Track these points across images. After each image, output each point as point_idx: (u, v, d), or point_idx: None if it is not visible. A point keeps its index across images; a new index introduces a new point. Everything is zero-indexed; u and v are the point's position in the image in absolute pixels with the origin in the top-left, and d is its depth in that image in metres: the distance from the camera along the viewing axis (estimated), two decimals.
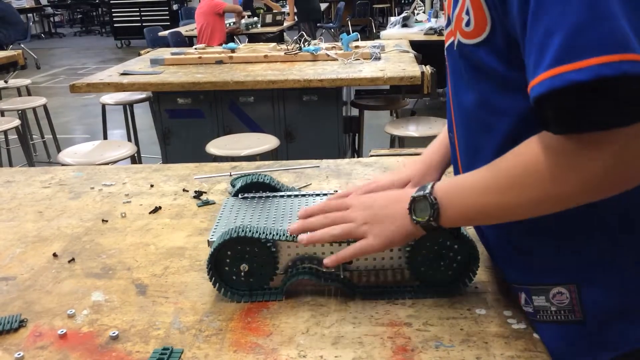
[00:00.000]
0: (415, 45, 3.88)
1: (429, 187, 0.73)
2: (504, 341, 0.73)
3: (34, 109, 4.27)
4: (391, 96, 3.57)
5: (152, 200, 1.24)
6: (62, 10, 16.17)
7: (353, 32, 3.62)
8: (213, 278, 0.84)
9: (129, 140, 4.08)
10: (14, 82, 4.62)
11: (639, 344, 0.64)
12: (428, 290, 0.83)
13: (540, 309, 0.69)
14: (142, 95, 3.83)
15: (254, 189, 1.06)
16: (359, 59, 3.30)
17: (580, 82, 0.50)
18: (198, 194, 1.26)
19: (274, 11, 7.35)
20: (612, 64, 0.49)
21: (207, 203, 1.21)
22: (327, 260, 0.79)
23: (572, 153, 0.56)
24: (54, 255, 1.00)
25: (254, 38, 6.83)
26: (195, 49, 3.82)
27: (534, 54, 0.54)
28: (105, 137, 4.03)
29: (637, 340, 0.64)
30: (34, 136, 4.73)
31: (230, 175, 1.37)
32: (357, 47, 3.53)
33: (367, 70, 3.03)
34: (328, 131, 3.11)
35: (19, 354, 0.74)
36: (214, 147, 2.60)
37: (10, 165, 3.99)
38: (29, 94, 4.68)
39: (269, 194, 1.04)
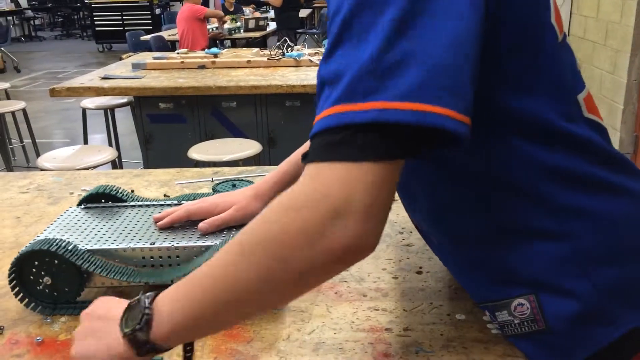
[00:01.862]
0: None
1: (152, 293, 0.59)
2: (483, 346, 0.74)
3: (13, 113, 4.21)
4: None
5: None
6: (42, 13, 15.99)
7: None
8: (16, 288, 0.82)
9: (110, 145, 4.04)
10: None
11: (606, 342, 0.65)
12: None
13: (504, 324, 0.70)
14: (124, 99, 3.79)
15: (103, 199, 1.04)
16: None
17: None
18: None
19: (256, 16, 7.35)
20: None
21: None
22: None
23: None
24: None
25: (236, 43, 6.83)
26: (178, 53, 3.81)
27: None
28: (85, 142, 3.99)
29: (602, 340, 0.65)
30: (12, 140, 4.67)
31: (212, 181, 1.36)
32: None
33: None
34: None
35: None
36: (196, 152, 2.59)
37: None
38: (8, 98, 4.62)
39: (112, 204, 1.02)
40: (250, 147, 2.64)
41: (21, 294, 0.82)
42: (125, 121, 4.75)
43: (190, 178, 1.39)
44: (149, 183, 1.36)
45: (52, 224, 0.94)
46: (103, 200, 1.03)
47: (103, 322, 0.62)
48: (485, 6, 0.54)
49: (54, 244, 0.81)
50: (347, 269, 0.54)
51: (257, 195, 0.92)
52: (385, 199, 0.50)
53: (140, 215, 0.96)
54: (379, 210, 0.49)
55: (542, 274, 0.66)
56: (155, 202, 1.03)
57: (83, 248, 0.83)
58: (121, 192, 1.05)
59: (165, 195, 1.27)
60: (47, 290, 0.83)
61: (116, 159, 2.73)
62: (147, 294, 0.59)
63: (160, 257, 0.84)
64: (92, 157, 2.61)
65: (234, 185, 1.34)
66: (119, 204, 1.02)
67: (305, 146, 0.94)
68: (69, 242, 0.83)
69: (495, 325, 0.75)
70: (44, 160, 2.57)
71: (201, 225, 0.88)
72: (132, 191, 1.31)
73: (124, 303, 0.62)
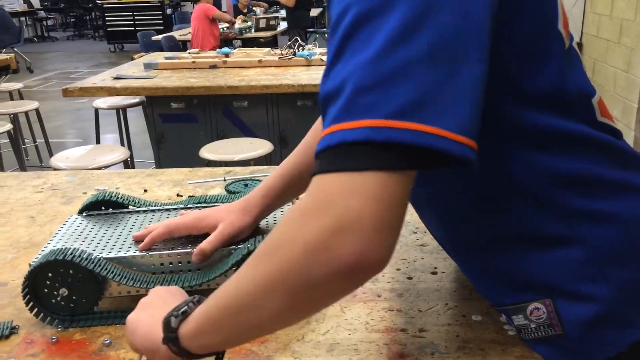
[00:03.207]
0: None
1: (192, 300, 0.62)
2: (500, 348, 0.73)
3: (26, 113, 4.24)
4: None
5: None
6: (55, 14, 16.11)
7: None
8: (31, 303, 0.80)
9: (122, 144, 4.06)
10: (5, 85, 4.60)
11: (625, 345, 0.64)
12: None
13: (521, 327, 0.69)
14: (136, 99, 3.81)
15: (103, 206, 1.01)
16: None
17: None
18: None
19: (267, 16, 7.36)
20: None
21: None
22: None
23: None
24: None
25: (247, 42, 6.84)
26: (189, 53, 3.82)
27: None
28: (97, 142, 4.01)
29: (622, 342, 0.64)
30: (25, 140, 4.71)
31: (225, 180, 1.36)
32: None
33: None
34: None
35: None
36: (208, 151, 2.59)
37: (2, 169, 3.96)
38: (21, 98, 4.66)
39: (115, 211, 1.00)
40: (261, 146, 2.64)
41: (36, 309, 0.80)
42: (136, 121, 4.77)
43: (202, 177, 1.39)
44: (162, 183, 1.36)
45: (55, 234, 0.91)
46: (103, 208, 1.01)
47: (163, 302, 0.65)
48: (493, 18, 0.52)
49: (69, 253, 0.79)
50: (356, 289, 0.50)
51: (245, 209, 0.88)
52: (394, 210, 0.47)
53: (147, 221, 0.95)
54: (388, 222, 0.46)
55: (557, 278, 0.65)
56: (159, 207, 1.01)
57: (98, 256, 0.82)
58: (121, 198, 1.02)
59: (178, 195, 1.28)
60: (63, 303, 0.80)
61: (128, 159, 2.73)
62: (204, 296, 0.61)
63: (180, 262, 0.83)
64: (104, 156, 2.62)
65: (246, 185, 1.34)
66: (121, 210, 1.00)
67: (295, 155, 0.92)
68: (82, 250, 0.81)
69: (511, 327, 0.74)
70: (57, 160, 2.58)
71: (194, 257, 0.82)
72: (145, 191, 1.31)
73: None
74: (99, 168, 2.46)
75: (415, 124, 0.46)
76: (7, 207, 1.24)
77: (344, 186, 0.46)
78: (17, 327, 0.80)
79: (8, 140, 3.87)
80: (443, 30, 0.48)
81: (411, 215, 1.11)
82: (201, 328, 0.57)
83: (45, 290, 0.80)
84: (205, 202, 1.03)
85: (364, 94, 0.47)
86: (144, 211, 1.00)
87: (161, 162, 3.26)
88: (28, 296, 0.79)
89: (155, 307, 0.66)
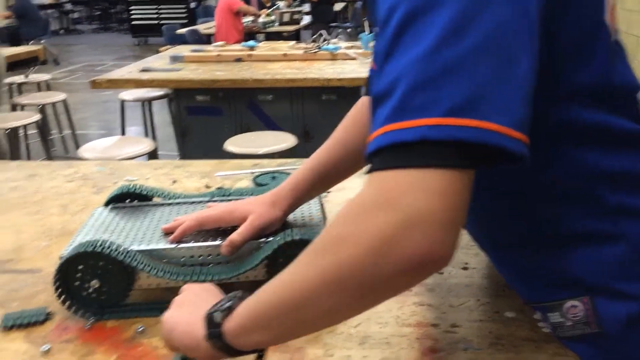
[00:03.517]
0: None
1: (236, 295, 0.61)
2: (534, 345, 0.72)
3: (53, 104, 4.31)
4: None
5: None
6: (81, 7, 16.32)
7: (369, 32, 3.60)
8: (63, 295, 0.79)
9: (146, 136, 4.10)
10: (34, 77, 4.66)
11: None
12: None
13: (557, 325, 0.67)
14: (160, 92, 3.85)
15: (128, 198, 1.02)
16: None
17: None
18: None
19: (291, 10, 7.36)
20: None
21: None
22: None
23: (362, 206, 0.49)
24: None
25: (271, 36, 6.85)
26: (215, 46, 3.83)
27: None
28: (123, 133, 4.05)
29: None
30: (52, 131, 4.78)
31: (252, 173, 1.36)
32: None
33: None
34: None
35: (46, 347, 0.74)
36: (232, 144, 2.60)
37: (29, 160, 4.03)
38: (49, 89, 4.72)
39: (141, 203, 1.00)
40: (285, 140, 2.64)
41: (68, 301, 0.80)
42: (160, 114, 4.81)
43: (230, 170, 1.39)
44: (190, 174, 1.37)
45: (83, 227, 0.91)
46: (128, 200, 1.02)
47: (199, 300, 0.65)
48: (541, 10, 0.51)
49: (99, 245, 0.79)
50: (417, 284, 0.50)
51: (274, 202, 0.87)
52: (459, 207, 0.47)
53: (174, 214, 0.94)
54: (454, 218, 0.47)
55: (596, 276, 0.64)
56: (185, 199, 1.01)
57: (129, 248, 0.81)
58: (145, 190, 1.02)
59: (207, 187, 1.28)
60: (94, 295, 0.80)
61: (153, 151, 2.76)
62: (247, 292, 0.60)
63: (210, 255, 0.83)
64: (130, 148, 2.65)
65: (274, 177, 1.34)
66: (147, 203, 1.00)
67: (324, 150, 0.92)
68: (112, 242, 0.80)
69: (546, 324, 0.73)
70: (84, 150, 2.62)
71: (223, 249, 0.82)
72: (174, 182, 1.32)
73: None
74: (125, 159, 2.48)
75: (474, 121, 0.45)
76: (39, 195, 1.26)
77: (410, 183, 0.46)
78: (51, 313, 0.82)
79: (35, 131, 3.93)
80: (496, 24, 0.47)
81: None
82: (249, 324, 0.57)
83: (77, 283, 0.80)
84: (231, 195, 1.03)
85: (418, 92, 0.46)
86: (170, 204, 0.99)
87: (185, 155, 3.28)
88: (60, 289, 0.79)
89: (191, 304, 0.66)
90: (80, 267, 0.79)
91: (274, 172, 1.36)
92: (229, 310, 0.58)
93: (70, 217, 1.14)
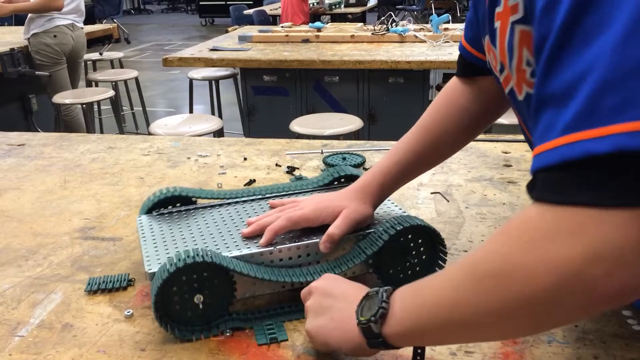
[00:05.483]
0: None
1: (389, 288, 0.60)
2: (623, 342, 0.68)
3: (125, 81, 4.45)
4: None
5: (246, 173, 1.25)
6: None
7: (436, 14, 3.52)
8: (163, 319, 0.70)
9: (212, 114, 4.17)
10: (107, 54, 4.82)
11: None
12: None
13: None
14: (227, 72, 3.90)
15: (168, 204, 0.92)
16: (448, 42, 3.21)
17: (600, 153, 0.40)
18: (291, 170, 1.26)
19: None
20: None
21: (299, 179, 1.21)
22: None
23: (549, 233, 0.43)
24: None
25: (336, 18, 6.80)
26: (282, 27, 3.84)
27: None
28: (190, 111, 4.15)
29: None
30: (123, 107, 4.94)
31: (322, 153, 1.36)
32: (446, 29, 3.43)
33: (457, 53, 2.94)
34: (412, 115, 3.03)
35: (129, 312, 0.76)
36: (298, 125, 2.61)
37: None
38: (121, 67, 4.88)
39: (188, 207, 0.91)
40: (351, 122, 2.62)
41: (169, 326, 0.70)
42: (225, 93, 4.88)
43: (300, 149, 1.39)
44: (260, 152, 1.38)
45: (143, 240, 0.81)
46: (170, 206, 0.92)
47: (338, 303, 0.64)
48: None
49: (199, 255, 0.69)
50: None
51: (364, 198, 0.83)
52: None
53: (236, 214, 0.87)
54: None
55: None
56: (237, 199, 0.93)
57: (227, 255, 0.74)
58: (186, 192, 0.91)
59: (277, 165, 1.29)
60: (199, 311, 0.71)
61: (220, 129, 2.80)
62: (386, 288, 0.59)
63: (308, 254, 0.78)
64: (199, 125, 2.70)
65: (344, 159, 1.33)
66: (196, 206, 0.91)
67: (411, 141, 0.86)
68: (209, 250, 0.72)
69: (636, 322, 0.69)
70: (156, 126, 2.69)
71: (322, 245, 0.77)
72: (245, 159, 1.33)
73: (360, 288, 0.64)
74: (194, 137, 2.53)
75: None
76: (118, 167, 1.30)
77: (595, 216, 0.41)
78: (133, 279, 0.84)
79: (109, 107, 4.07)
80: None
81: None
82: (410, 334, 0.56)
83: (177, 307, 0.71)
84: (279, 192, 0.96)
85: (612, 93, 0.39)
86: (220, 205, 0.91)
87: (251, 134, 3.32)
88: (161, 317, 0.70)
89: (329, 309, 0.64)
90: (179, 284, 0.70)
91: (344, 153, 1.35)
92: (383, 318, 0.57)
93: (148, 189, 1.17)
